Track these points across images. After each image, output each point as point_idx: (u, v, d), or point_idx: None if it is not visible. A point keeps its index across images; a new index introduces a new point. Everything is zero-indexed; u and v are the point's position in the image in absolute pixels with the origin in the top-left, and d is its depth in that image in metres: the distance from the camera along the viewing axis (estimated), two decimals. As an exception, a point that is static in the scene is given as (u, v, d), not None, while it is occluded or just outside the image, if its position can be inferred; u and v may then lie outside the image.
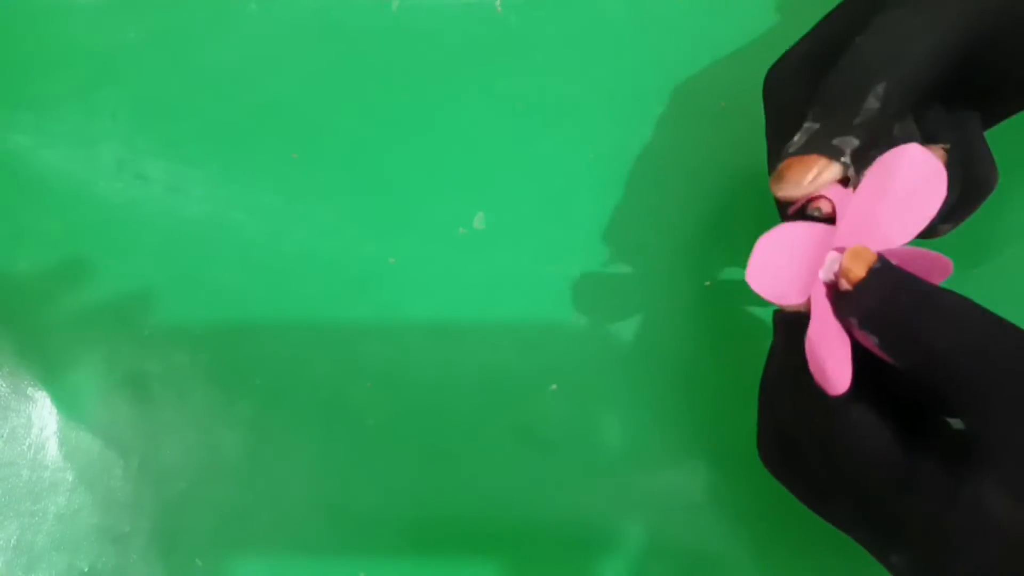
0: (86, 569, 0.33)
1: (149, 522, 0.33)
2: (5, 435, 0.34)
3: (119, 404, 0.34)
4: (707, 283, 0.34)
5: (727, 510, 0.32)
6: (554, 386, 0.34)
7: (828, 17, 0.28)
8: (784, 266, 0.25)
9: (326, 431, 0.34)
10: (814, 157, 0.25)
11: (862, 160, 0.25)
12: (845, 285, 0.24)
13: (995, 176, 0.27)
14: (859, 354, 0.24)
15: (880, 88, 0.24)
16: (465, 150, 0.36)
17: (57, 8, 0.38)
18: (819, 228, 0.25)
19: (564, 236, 0.35)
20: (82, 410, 0.34)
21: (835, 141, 0.25)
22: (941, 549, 0.22)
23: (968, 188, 0.27)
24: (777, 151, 0.27)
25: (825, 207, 0.25)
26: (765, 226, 0.34)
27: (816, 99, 0.25)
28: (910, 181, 0.24)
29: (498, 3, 0.37)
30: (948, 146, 0.26)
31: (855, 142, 0.24)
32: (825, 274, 0.25)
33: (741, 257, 0.34)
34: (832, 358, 0.24)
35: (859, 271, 0.24)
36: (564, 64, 0.37)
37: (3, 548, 0.33)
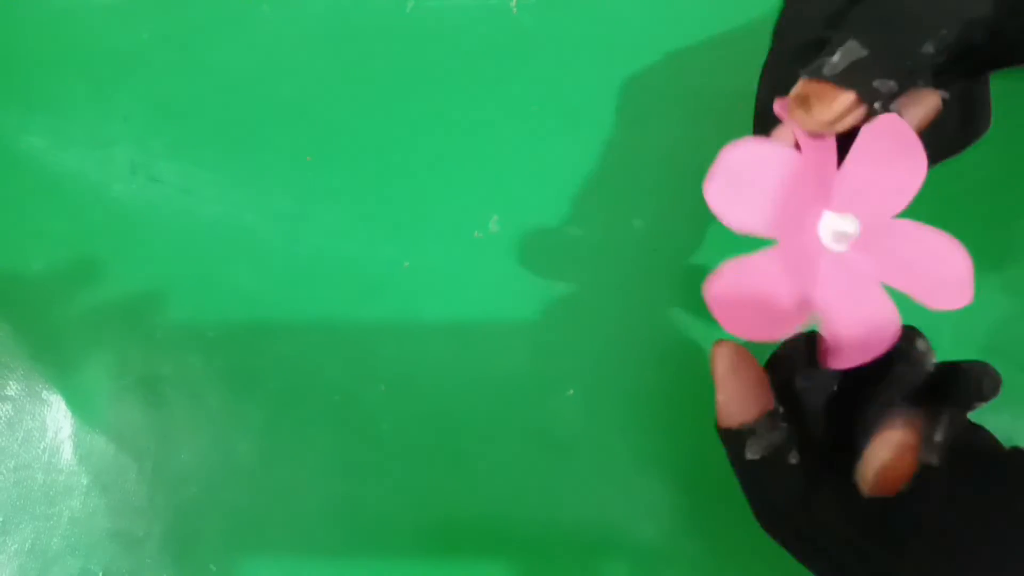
0: (100, 573, 0.33)
1: (163, 526, 0.33)
2: (20, 438, 0.34)
3: (133, 407, 0.34)
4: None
5: (744, 516, 0.32)
6: (571, 391, 0.33)
7: None
8: (750, 185, 0.23)
9: (339, 434, 0.33)
10: (850, 94, 0.22)
11: (886, 104, 0.23)
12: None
13: (988, 123, 0.25)
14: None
15: (943, 35, 0.22)
16: (480, 152, 0.36)
17: (71, 10, 0.38)
18: (795, 157, 0.23)
19: (579, 239, 0.35)
20: (96, 413, 0.34)
21: (876, 83, 0.22)
22: None
23: (962, 128, 0.25)
24: (783, 71, 0.24)
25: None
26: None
27: (865, 15, 0.23)
28: (894, 152, 0.23)
29: (513, 4, 0.37)
30: (947, 96, 0.24)
31: (895, 88, 0.22)
32: (829, 238, 0.23)
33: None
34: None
35: (893, 486, 0.21)
36: (579, 65, 0.37)
37: (18, 551, 0.33)
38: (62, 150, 0.37)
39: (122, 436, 0.34)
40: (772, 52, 0.27)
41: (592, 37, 0.37)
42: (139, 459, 0.34)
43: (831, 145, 0.23)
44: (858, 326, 0.23)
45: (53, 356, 0.35)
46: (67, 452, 0.34)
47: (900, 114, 0.23)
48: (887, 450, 0.22)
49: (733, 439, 0.24)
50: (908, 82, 0.23)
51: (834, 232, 0.23)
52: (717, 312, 0.23)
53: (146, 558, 0.33)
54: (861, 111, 0.23)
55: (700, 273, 0.34)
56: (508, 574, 0.32)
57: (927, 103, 0.24)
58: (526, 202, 0.35)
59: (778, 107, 0.24)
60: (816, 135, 0.23)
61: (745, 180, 0.23)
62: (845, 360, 0.24)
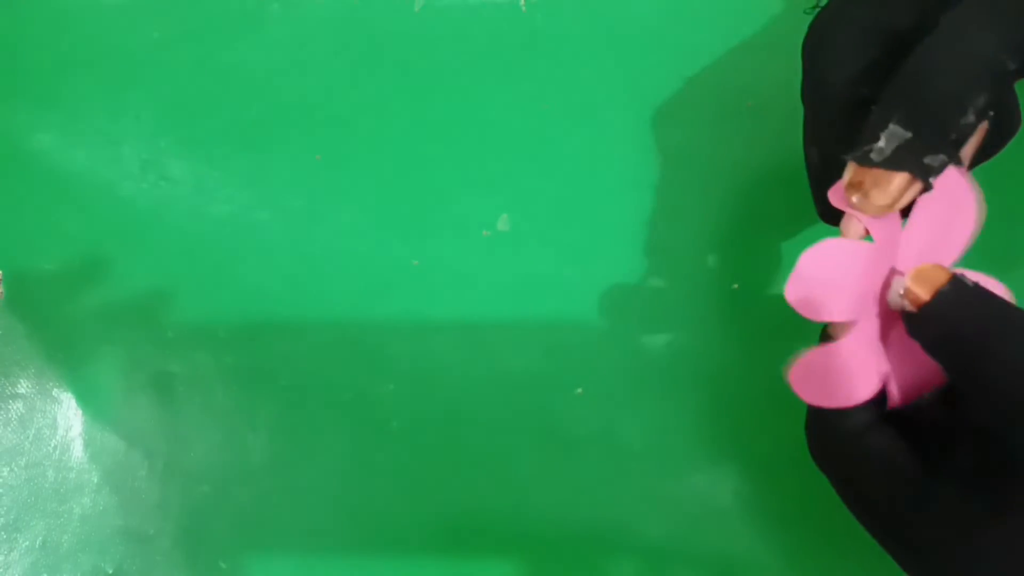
0: (111, 571, 0.33)
1: (174, 524, 0.33)
2: (31, 436, 0.34)
3: (144, 405, 0.34)
4: (735, 286, 0.34)
5: (754, 515, 0.32)
6: (579, 390, 0.33)
7: None
8: (827, 283, 0.24)
9: (350, 433, 0.33)
10: (904, 175, 0.23)
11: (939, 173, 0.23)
12: (909, 307, 0.23)
13: (1020, 121, 0.25)
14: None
15: (981, 101, 0.22)
16: (489, 151, 0.36)
17: (82, 9, 0.38)
18: (864, 247, 0.24)
19: (589, 238, 0.35)
20: (107, 411, 0.34)
21: (927, 160, 0.23)
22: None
23: (993, 134, 0.25)
24: (824, 133, 0.25)
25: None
26: (793, 227, 0.34)
27: (901, 97, 0.23)
28: (952, 206, 0.24)
29: (523, 2, 0.37)
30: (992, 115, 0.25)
31: (945, 160, 0.23)
32: (893, 297, 0.24)
33: (769, 259, 0.34)
34: (856, 377, 0.24)
35: (924, 293, 0.22)
36: (589, 64, 0.37)
37: (29, 548, 0.33)
38: (72, 148, 0.37)
39: (133, 434, 0.34)
40: (807, 118, 0.27)
41: (603, 35, 0.37)
42: (150, 457, 0.34)
43: (895, 217, 0.24)
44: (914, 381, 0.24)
45: (64, 354, 0.35)
46: (78, 450, 0.34)
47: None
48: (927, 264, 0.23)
49: None
50: (957, 149, 0.23)
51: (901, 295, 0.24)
52: (799, 390, 0.24)
53: (157, 556, 0.33)
54: (918, 186, 0.23)
55: (712, 270, 0.34)
56: (518, 573, 0.32)
57: (977, 137, 0.24)
58: (536, 201, 0.35)
59: (834, 197, 0.25)
60: (879, 216, 0.24)
61: (825, 280, 0.24)
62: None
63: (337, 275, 0.35)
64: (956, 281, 0.22)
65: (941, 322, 0.22)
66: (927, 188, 0.23)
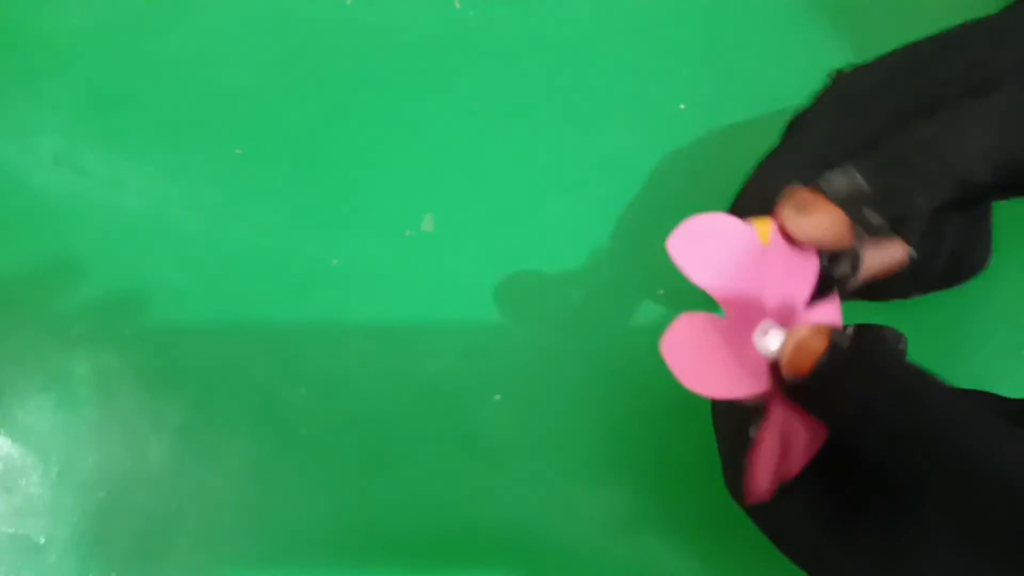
0: (-3, 580, 0.31)
1: (67, 531, 0.31)
2: (-83, 436, 0.33)
3: (42, 407, 0.33)
4: (661, 291, 0.33)
5: (673, 525, 0.31)
6: (498, 396, 0.32)
7: (914, 47, 0.26)
8: (709, 252, 0.23)
9: (257, 439, 0.32)
10: (843, 215, 0.23)
11: (869, 235, 0.23)
12: (788, 374, 0.22)
13: (988, 258, 0.26)
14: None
15: (943, 193, 0.22)
16: (417, 149, 0.35)
17: (-1, -6, 0.37)
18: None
19: (514, 241, 0.34)
20: (3, 411, 0.33)
21: (867, 213, 0.23)
22: None
23: (954, 266, 0.26)
24: (802, 167, 0.25)
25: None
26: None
27: (875, 158, 0.23)
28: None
29: (456, 0, 0.36)
30: (916, 256, 0.25)
31: (884, 226, 0.23)
32: (764, 347, 0.23)
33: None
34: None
35: (804, 365, 0.22)
36: (523, 64, 0.36)
37: (-91, 556, 0.31)
38: (-16, 138, 0.36)
39: (28, 437, 0.32)
40: (782, 150, 0.27)
41: (537, 35, 0.36)
42: (45, 461, 0.32)
43: (807, 264, 0.24)
44: None
45: (-44, 350, 0.33)
46: (-30, 452, 0.32)
47: (864, 256, 0.24)
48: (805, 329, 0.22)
49: (736, 409, 0.24)
50: (896, 226, 0.23)
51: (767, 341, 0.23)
52: (671, 362, 0.24)
53: (47, 565, 0.31)
54: (843, 236, 0.23)
55: (639, 275, 0.33)
56: (430, 584, 0.31)
57: (891, 253, 0.24)
58: (462, 202, 0.34)
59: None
60: (792, 241, 0.24)
61: (706, 244, 0.23)
62: None
63: (252, 274, 0.34)
64: (834, 351, 0.22)
65: (817, 396, 0.22)
66: (850, 247, 0.23)
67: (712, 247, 0.24)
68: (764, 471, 0.23)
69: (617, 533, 0.31)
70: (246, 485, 0.32)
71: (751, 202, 0.26)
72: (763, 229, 0.24)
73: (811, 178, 0.23)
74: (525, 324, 0.33)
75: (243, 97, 0.36)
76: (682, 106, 0.35)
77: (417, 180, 0.35)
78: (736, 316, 0.24)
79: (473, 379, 0.32)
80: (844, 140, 0.25)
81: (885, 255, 0.24)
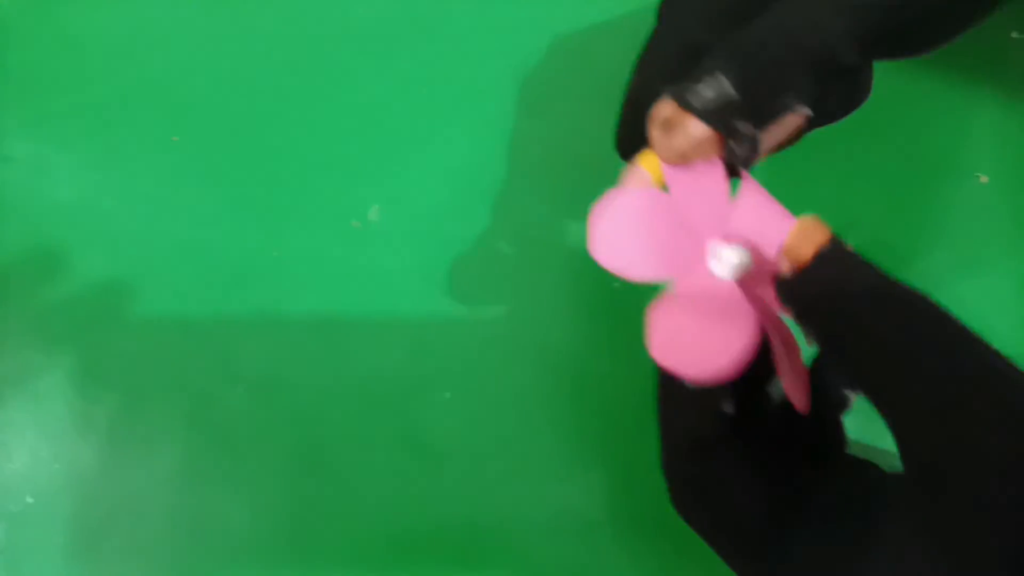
0: (-88, 593, 0.30)
1: (-11, 540, 0.30)
2: None
3: (-38, 408, 0.31)
4: (616, 284, 0.32)
5: (624, 525, 0.30)
6: (448, 394, 0.31)
7: None
8: (632, 237, 0.23)
9: (192, 440, 0.30)
10: (707, 130, 0.22)
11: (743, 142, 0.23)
12: (785, 269, 0.22)
13: (865, 96, 0.26)
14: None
15: (806, 83, 0.22)
16: (364, 137, 0.34)
17: (-82, -29, 0.35)
18: (663, 197, 0.23)
19: (463, 233, 0.33)
20: (-81, 414, 0.31)
21: (739, 124, 0.22)
22: None
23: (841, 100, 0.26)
24: (657, 61, 0.25)
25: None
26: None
27: (734, 58, 0.22)
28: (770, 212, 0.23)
29: (404, -23, 0.35)
30: (811, 114, 0.24)
31: (754, 132, 0.22)
32: (722, 267, 0.23)
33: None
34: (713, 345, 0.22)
35: (807, 251, 0.21)
36: (475, 50, 0.35)
37: None
38: (-100, 124, 0.34)
39: (-54, 440, 0.30)
40: (655, 39, 0.26)
41: (489, 20, 0.35)
42: (-34, 466, 0.30)
43: (713, 176, 0.23)
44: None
45: None
46: None
47: (761, 136, 0.23)
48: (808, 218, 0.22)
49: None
50: (764, 124, 0.23)
51: (723, 261, 0.23)
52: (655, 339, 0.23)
53: (-34, 576, 0.30)
54: (716, 147, 0.23)
55: (592, 269, 0.32)
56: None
57: (788, 124, 0.24)
58: (410, 192, 0.33)
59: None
60: (674, 163, 0.23)
61: (624, 234, 0.23)
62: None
63: (188, 266, 0.32)
64: (835, 241, 0.21)
65: (823, 284, 0.21)
66: (727, 152, 0.23)
67: (629, 235, 0.23)
68: (789, 378, 0.23)
69: (570, 534, 0.30)
70: (180, 489, 0.30)
71: (631, 110, 0.25)
72: (651, 164, 0.24)
73: (681, 73, 0.23)
74: (474, 319, 0.32)
75: (178, 82, 0.34)
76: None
77: (364, 169, 0.33)
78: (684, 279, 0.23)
79: (421, 375, 0.31)
80: (711, 18, 0.25)
81: (781, 128, 0.24)
